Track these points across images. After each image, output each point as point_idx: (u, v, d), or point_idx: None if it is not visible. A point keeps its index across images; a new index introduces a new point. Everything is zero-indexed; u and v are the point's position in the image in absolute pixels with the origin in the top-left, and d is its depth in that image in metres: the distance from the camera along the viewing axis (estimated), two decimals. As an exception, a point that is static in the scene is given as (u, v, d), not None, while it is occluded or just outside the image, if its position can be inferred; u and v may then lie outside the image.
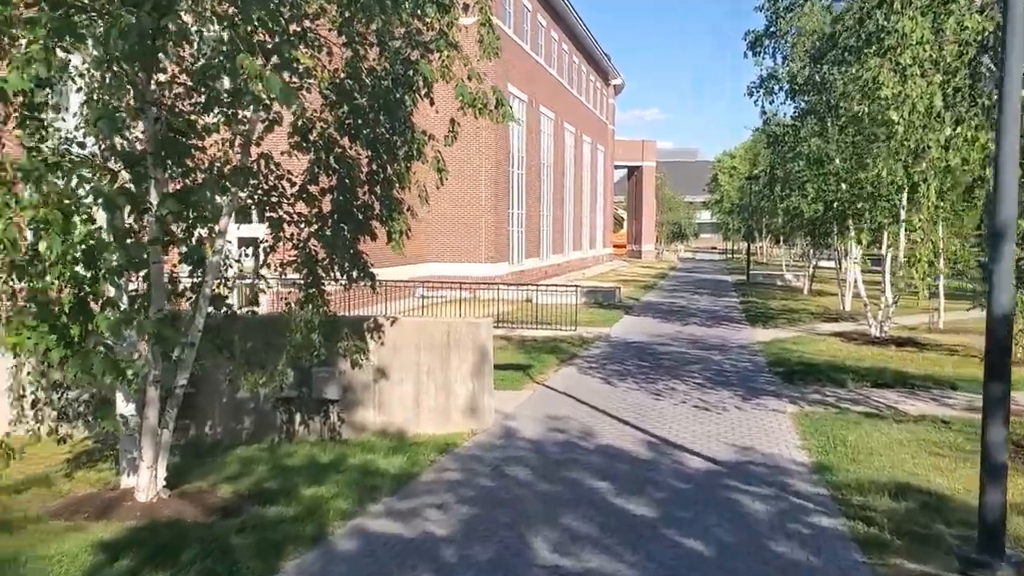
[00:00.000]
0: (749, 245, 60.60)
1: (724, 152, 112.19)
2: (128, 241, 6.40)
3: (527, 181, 42.02)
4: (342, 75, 8.52)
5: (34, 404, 9.24)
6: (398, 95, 8.48)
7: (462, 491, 9.23)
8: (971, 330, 25.18)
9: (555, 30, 48.33)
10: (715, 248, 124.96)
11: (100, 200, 5.94)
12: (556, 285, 28.34)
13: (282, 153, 9.15)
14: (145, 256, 7.00)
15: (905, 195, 20.71)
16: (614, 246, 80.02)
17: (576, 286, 27.67)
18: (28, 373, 8.65)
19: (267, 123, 8.94)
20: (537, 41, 44.41)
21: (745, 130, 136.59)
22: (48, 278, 6.31)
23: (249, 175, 8.83)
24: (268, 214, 9.17)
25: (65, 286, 6.71)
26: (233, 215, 9.37)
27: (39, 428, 9.22)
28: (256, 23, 7.98)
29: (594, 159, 63.57)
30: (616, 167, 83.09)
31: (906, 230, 21.41)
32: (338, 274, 9.95)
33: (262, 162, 9.03)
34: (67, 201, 6.05)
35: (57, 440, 9.59)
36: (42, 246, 6.05)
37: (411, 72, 8.58)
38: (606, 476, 9.82)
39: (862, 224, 21.97)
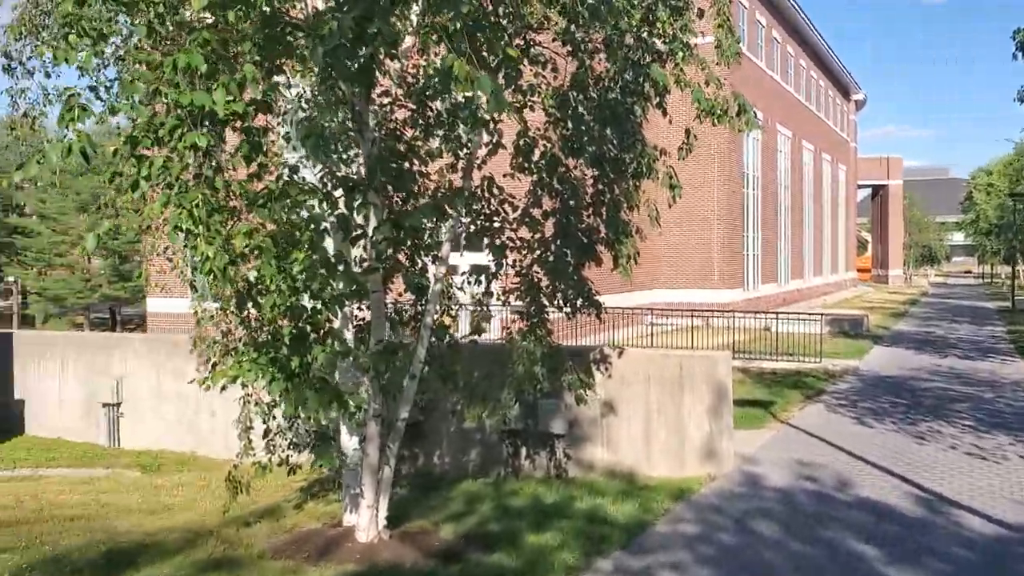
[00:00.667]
0: (1014, 268, 54.83)
1: (979, 169, 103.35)
2: (348, 270, 6.01)
3: (762, 202, 40.09)
4: (566, 87, 7.88)
5: (266, 434, 9.21)
6: (627, 104, 7.72)
7: (701, 549, 8.25)
8: None
9: (791, 45, 46.08)
10: (969, 272, 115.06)
11: (313, 227, 5.59)
12: (796, 313, 26.52)
13: (504, 176, 8.64)
14: (367, 285, 6.63)
15: None
16: (858, 270, 75.24)
17: (820, 314, 25.74)
18: (256, 404, 8.58)
19: (491, 146, 8.50)
20: (772, 57, 42.47)
21: (1006, 143, 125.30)
22: (266, 307, 6.04)
23: (472, 199, 8.39)
24: (490, 240, 8.68)
25: (284, 316, 6.44)
26: (460, 242, 8.99)
27: (271, 459, 9.17)
28: (479, 39, 7.54)
29: (834, 178, 60.07)
30: (859, 186, 78.28)
31: None
32: (561, 302, 9.28)
33: (484, 185, 8.56)
34: (283, 228, 5.77)
35: (288, 471, 9.52)
36: (253, 275, 5.80)
37: (641, 79, 7.79)
38: (871, 538, 8.49)
39: None
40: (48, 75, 8.64)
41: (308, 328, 6.77)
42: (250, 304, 6.28)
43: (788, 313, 26.23)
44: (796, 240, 47.38)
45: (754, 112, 8.28)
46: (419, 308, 8.67)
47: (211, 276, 5.37)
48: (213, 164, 5.55)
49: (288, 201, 5.84)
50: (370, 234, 6.77)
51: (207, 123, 5.36)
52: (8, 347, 17.77)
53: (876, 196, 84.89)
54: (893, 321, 36.76)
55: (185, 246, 5.54)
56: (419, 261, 8.58)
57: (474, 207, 8.59)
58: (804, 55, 49.32)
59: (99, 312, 48.15)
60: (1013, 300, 46.60)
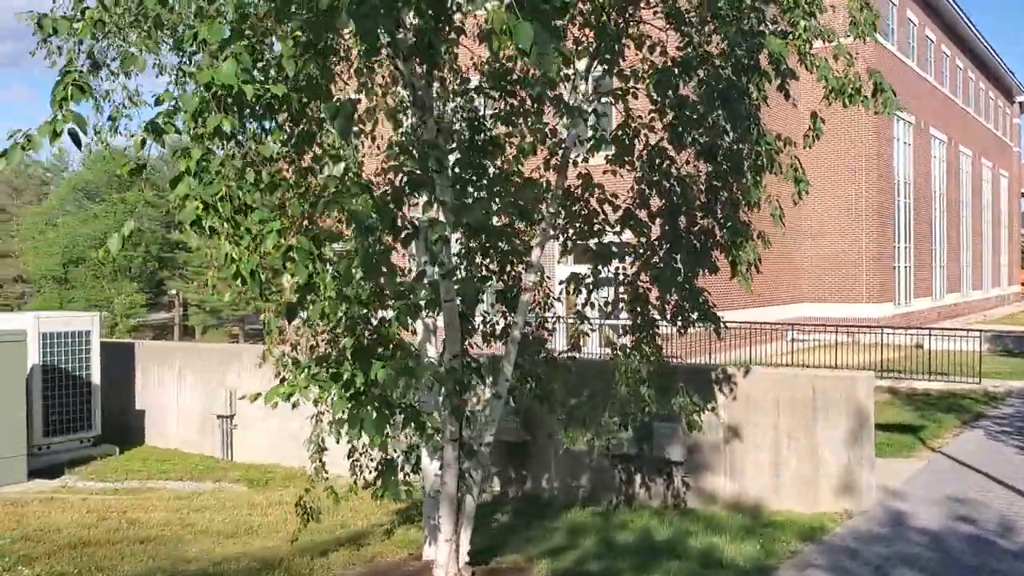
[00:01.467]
0: None
1: None
2: (393, 275, 5.19)
3: (915, 211, 37.43)
4: (668, 64, 6.84)
5: (350, 453, 8.55)
6: (741, 85, 6.63)
7: (830, 604, 7.06)
8: None
9: (946, 44, 43.06)
10: None
11: (355, 224, 4.82)
12: (953, 329, 24.28)
13: (604, 172, 7.70)
14: (421, 294, 5.80)
15: None
16: (1022, 284, 69.93)
17: (979, 331, 23.50)
18: (329, 424, 7.90)
19: (592, 141, 7.59)
20: (926, 58, 39.74)
21: None
22: (313, 316, 5.32)
23: (564, 198, 7.50)
24: (586, 245, 7.75)
25: (338, 326, 5.72)
26: (566, 246, 8.11)
27: (355, 481, 8.51)
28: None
29: (996, 186, 55.94)
30: (1023, 195, 72.84)
31: None
32: (672, 315, 8.21)
33: (582, 183, 7.65)
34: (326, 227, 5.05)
35: (373, 495, 8.84)
36: (285, 279, 5.11)
37: (755, 53, 6.67)
38: (1042, 600, 7.11)
39: None
40: (128, 75, 8.26)
41: (375, 340, 6.03)
42: (302, 313, 5.57)
43: (942, 329, 24.05)
44: (952, 251, 44.13)
45: (893, 92, 7.06)
46: (509, 320, 7.83)
47: (239, 280, 4.70)
48: (243, 152, 4.88)
49: (339, 198, 5.09)
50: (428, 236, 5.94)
51: (236, 107, 4.70)
52: (131, 357, 17.96)
53: (1044, 204, 78.84)
54: (1065, 339, 33.48)
55: (207, 247, 4.91)
56: (510, 268, 7.76)
57: (572, 207, 7.70)
58: (961, 54, 46.06)
59: (254, 323, 49.54)
60: None
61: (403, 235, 5.44)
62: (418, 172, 5.51)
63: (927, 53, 39.84)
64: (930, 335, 24.31)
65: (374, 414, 5.80)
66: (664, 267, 7.61)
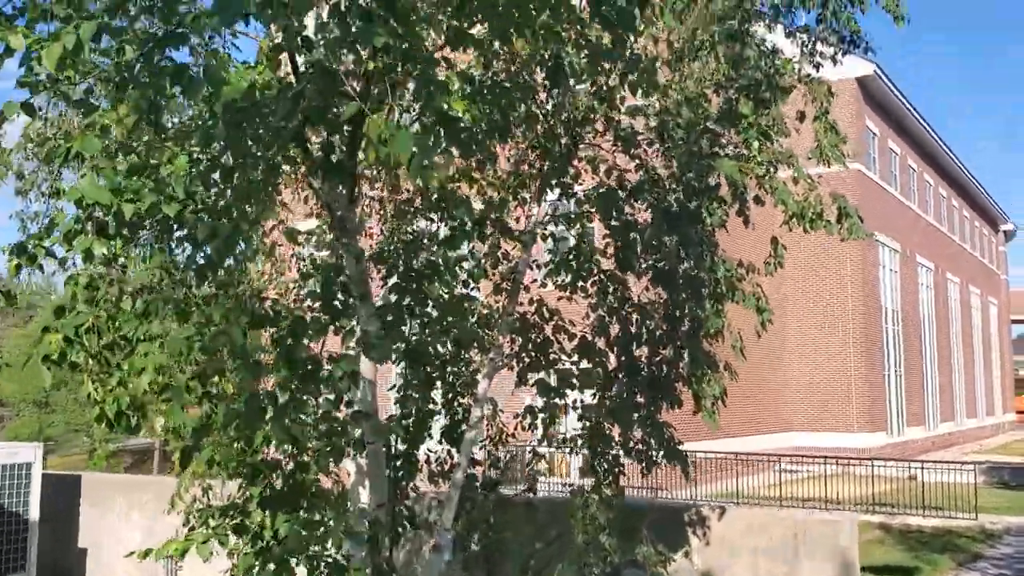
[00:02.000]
0: None
1: None
2: (281, 416, 4.56)
3: (904, 338, 37.01)
4: (612, 185, 6.42)
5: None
6: (692, 207, 6.18)
7: None
8: None
9: (929, 174, 43.61)
10: None
11: (240, 360, 4.24)
12: (946, 461, 23.42)
13: (559, 299, 7.20)
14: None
15: None
16: (1017, 412, 69.02)
17: (973, 463, 22.70)
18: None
19: (551, 266, 7.12)
20: (909, 186, 40.13)
21: None
22: (200, 463, 4.68)
23: (513, 326, 6.97)
24: (535, 376, 7.16)
25: (244, 475, 5.06)
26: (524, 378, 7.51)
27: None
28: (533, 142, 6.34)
29: (985, 313, 55.83)
30: (1013, 322, 72.82)
31: None
32: (635, 451, 7.55)
33: (534, 309, 7.13)
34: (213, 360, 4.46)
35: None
36: (157, 422, 4.51)
37: (704, 177, 6.26)
38: None
39: None
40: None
41: (291, 486, 5.37)
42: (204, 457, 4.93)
43: (936, 461, 23.21)
44: (944, 379, 43.54)
45: (859, 217, 6.64)
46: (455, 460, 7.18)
47: (103, 423, 4.11)
48: (112, 278, 4.36)
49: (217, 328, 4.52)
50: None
51: (117, 227, 4.20)
52: (76, 491, 17.08)
53: (1034, 332, 78.79)
54: (1063, 471, 32.53)
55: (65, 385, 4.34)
56: (456, 401, 7.17)
57: (526, 335, 7.15)
58: (944, 184, 46.64)
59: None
60: None
61: (301, 372, 4.85)
62: (332, 300, 4.98)
63: (910, 182, 40.25)
64: (923, 467, 23.48)
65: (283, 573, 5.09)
66: (623, 400, 7.02)
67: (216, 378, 4.57)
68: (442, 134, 3.68)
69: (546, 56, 5.41)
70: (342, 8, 3.84)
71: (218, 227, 3.93)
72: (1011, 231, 66.45)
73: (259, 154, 3.81)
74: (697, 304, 6.78)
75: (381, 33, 3.59)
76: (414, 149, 2.70)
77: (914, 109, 37.41)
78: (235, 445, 4.70)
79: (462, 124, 3.82)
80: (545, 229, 7.03)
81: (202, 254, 4.92)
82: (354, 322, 5.27)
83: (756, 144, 6.36)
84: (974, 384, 51.08)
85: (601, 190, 6.23)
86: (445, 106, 3.45)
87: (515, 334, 7.18)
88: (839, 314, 31.77)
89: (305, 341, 4.73)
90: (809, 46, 7.36)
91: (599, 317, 7.49)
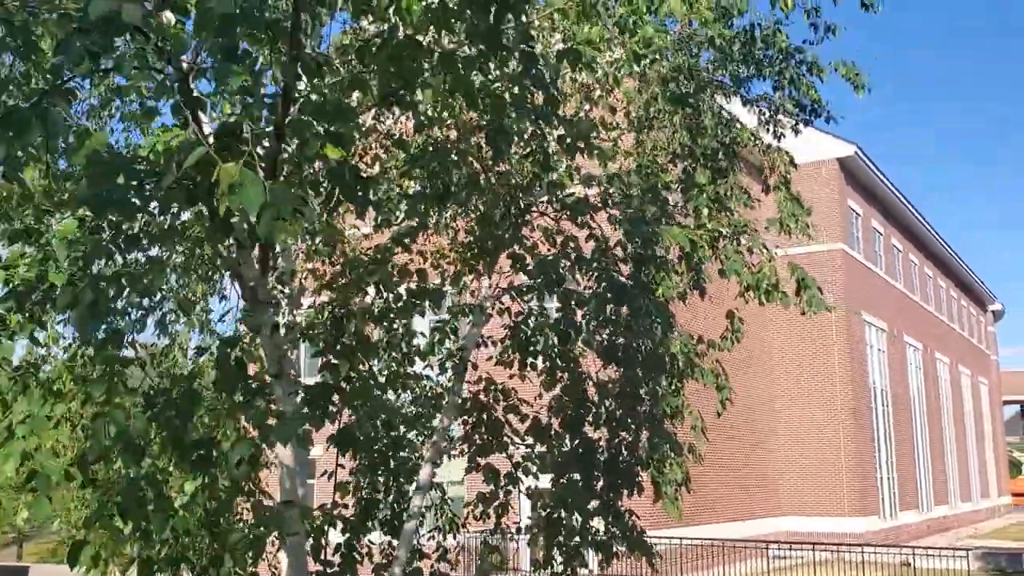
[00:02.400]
0: None
1: None
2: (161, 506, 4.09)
3: (895, 420, 36.50)
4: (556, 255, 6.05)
5: None
6: (642, 278, 5.77)
7: None
8: None
9: (914, 253, 43.69)
10: None
11: (120, 444, 3.81)
12: (939, 548, 22.72)
13: (511, 377, 6.79)
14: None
15: None
16: (1012, 495, 68.04)
17: (966, 549, 22.06)
18: None
19: (509, 343, 6.72)
20: (894, 267, 40.10)
21: None
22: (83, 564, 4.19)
23: (466, 407, 6.55)
24: (479, 461, 6.70)
25: None
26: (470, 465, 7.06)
27: None
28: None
29: (976, 393, 55.37)
30: (1005, 402, 72.35)
31: None
32: (591, 543, 7.02)
33: (483, 388, 6.72)
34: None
35: None
36: (20, 515, 4.07)
37: (651, 245, 5.86)
38: None
39: None
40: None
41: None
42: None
43: (927, 547, 22.55)
44: (937, 461, 42.86)
45: (819, 289, 6.30)
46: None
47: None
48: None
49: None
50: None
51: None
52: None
53: (1026, 413, 78.31)
54: (1061, 556, 31.70)
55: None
56: (394, 489, 6.70)
57: (475, 417, 6.72)
58: (929, 264, 46.71)
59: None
60: None
61: (194, 457, 4.38)
62: (229, 377, 4.56)
63: (895, 262, 40.24)
64: (914, 553, 22.79)
65: None
66: (579, 486, 6.53)
67: (101, 464, 4.14)
68: (336, 191, 3.36)
69: (485, 120, 5.15)
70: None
71: (79, 293, 3.54)
72: (999, 311, 66.49)
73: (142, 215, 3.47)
74: (654, 381, 6.37)
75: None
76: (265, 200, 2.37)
77: (896, 189, 37.63)
78: (130, 538, 4.24)
79: (361, 176, 3.47)
80: (497, 303, 6.68)
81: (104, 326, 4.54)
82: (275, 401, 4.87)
83: (706, 211, 6.04)
84: (967, 466, 50.34)
85: (541, 257, 5.88)
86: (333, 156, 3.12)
87: (466, 415, 6.76)
88: (828, 396, 31.32)
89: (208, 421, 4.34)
90: (768, 115, 7.11)
91: (556, 397, 7.06)
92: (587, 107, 6.78)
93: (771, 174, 6.96)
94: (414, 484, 6.58)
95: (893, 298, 38.72)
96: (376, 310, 6.02)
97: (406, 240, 5.59)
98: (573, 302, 5.61)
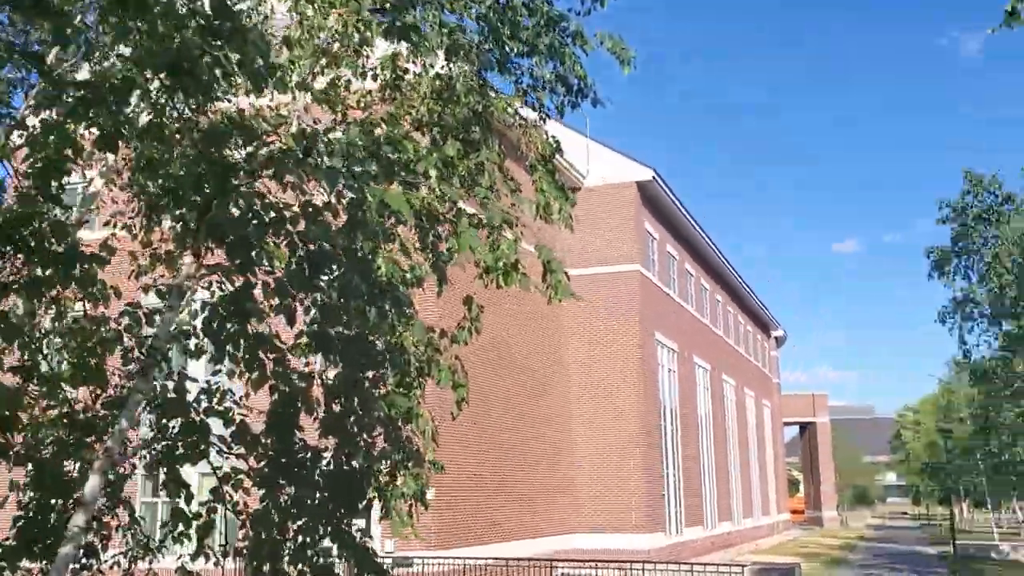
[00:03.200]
0: (952, 511, 52.30)
1: (906, 407, 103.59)
2: None
3: (683, 438, 37.46)
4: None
5: None
6: (357, 248, 4.85)
7: None
8: None
9: (706, 279, 45.37)
10: (905, 513, 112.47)
11: None
12: (714, 564, 23.10)
13: (216, 372, 5.74)
14: None
15: None
16: (791, 512, 72.10)
17: (742, 565, 22.50)
18: None
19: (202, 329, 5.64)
20: (687, 290, 41.39)
21: (931, 378, 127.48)
22: None
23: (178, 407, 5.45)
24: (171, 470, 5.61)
25: None
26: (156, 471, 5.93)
27: None
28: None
29: (759, 415, 58.23)
30: (785, 424, 76.75)
31: None
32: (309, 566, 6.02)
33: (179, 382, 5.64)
34: None
35: None
36: None
37: (360, 206, 4.95)
38: None
39: None
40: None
41: None
42: None
43: (707, 563, 22.87)
44: (722, 480, 44.48)
45: (565, 275, 5.64)
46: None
47: None
48: None
49: None
50: None
51: None
52: None
53: (804, 434, 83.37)
54: (830, 571, 33.37)
55: None
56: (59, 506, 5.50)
57: (164, 418, 5.62)
58: (720, 290, 48.70)
59: None
60: (954, 545, 43.62)
61: None
62: None
63: (688, 285, 41.56)
64: (692, 570, 23.05)
65: None
66: (283, 502, 5.55)
67: None
68: None
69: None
70: None
71: None
72: (782, 337, 70.45)
73: None
74: (375, 378, 5.49)
75: None
76: None
77: (690, 215, 38.86)
78: None
79: None
80: (200, 283, 5.62)
81: None
82: None
83: (435, 173, 5.22)
84: (750, 484, 52.68)
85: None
86: None
87: (160, 416, 5.66)
88: (621, 414, 31.63)
89: None
90: (529, 86, 6.45)
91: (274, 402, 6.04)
92: (323, 61, 5.88)
93: (529, 150, 6.27)
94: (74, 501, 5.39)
95: (685, 320, 39.91)
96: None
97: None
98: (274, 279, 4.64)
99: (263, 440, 5.60)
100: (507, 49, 6.30)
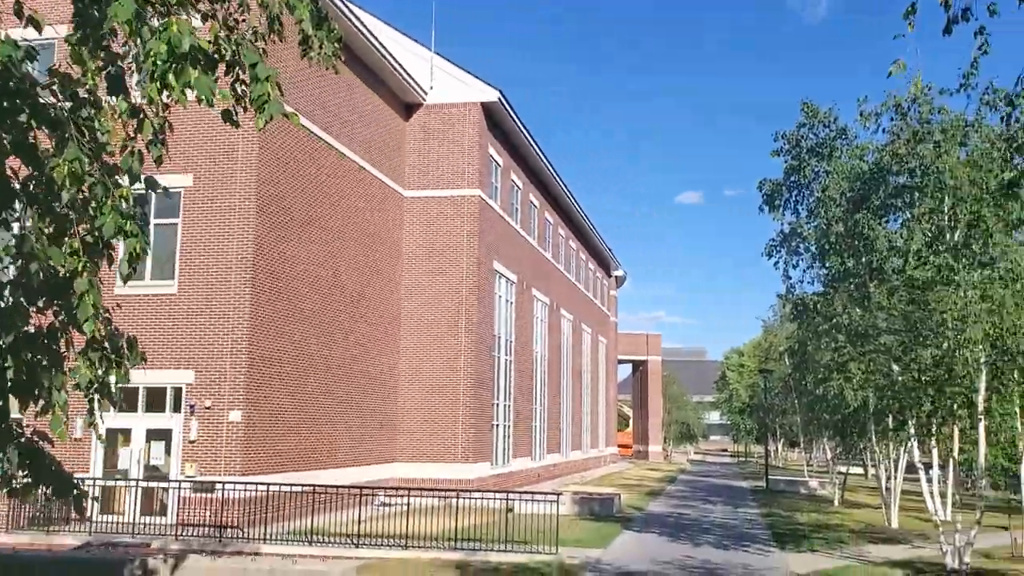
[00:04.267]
0: (767, 448, 54.74)
1: (732, 349, 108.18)
2: None
3: (516, 370, 37.18)
4: None
5: None
6: None
7: None
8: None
9: (550, 212, 44.97)
10: (725, 450, 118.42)
11: None
12: (544, 492, 22.79)
13: None
14: None
15: (984, 378, 15.77)
16: (619, 446, 74.17)
17: (559, 493, 22.28)
18: None
19: None
20: (530, 222, 40.81)
21: (756, 320, 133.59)
22: None
23: None
24: None
25: None
26: None
27: None
28: None
29: (595, 351, 59.01)
30: (620, 362, 78.51)
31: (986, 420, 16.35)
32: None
33: None
34: None
35: None
36: None
37: None
38: None
39: (937, 415, 16.81)
40: None
41: None
42: None
43: (534, 493, 22.52)
44: (554, 412, 44.75)
45: (279, 90, 4.47)
46: None
47: None
48: None
49: None
50: None
51: None
52: None
53: (636, 372, 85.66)
54: (648, 501, 34.04)
55: None
56: None
57: None
58: (563, 224, 48.48)
59: None
60: (767, 480, 45.61)
61: None
62: None
63: (531, 217, 40.99)
64: (519, 498, 22.70)
65: None
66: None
67: None
68: None
69: None
70: None
71: None
72: (622, 277, 71.58)
73: None
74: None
75: None
76: None
77: (536, 145, 38.11)
78: None
79: None
80: None
81: None
82: None
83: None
84: (582, 418, 53.45)
85: None
86: None
87: None
88: (453, 342, 30.86)
89: None
90: None
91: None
92: None
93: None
94: None
95: (525, 252, 39.40)
96: None
97: None
98: None
99: None
100: None
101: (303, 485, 20.84)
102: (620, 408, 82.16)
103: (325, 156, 25.31)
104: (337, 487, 20.77)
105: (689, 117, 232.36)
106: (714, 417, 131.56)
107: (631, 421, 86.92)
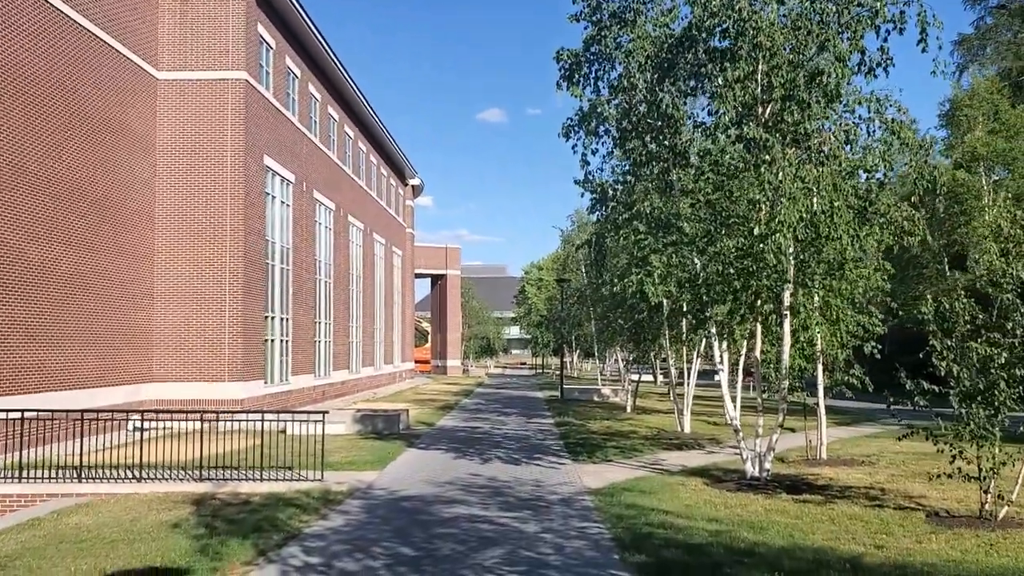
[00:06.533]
0: (562, 359, 54.22)
1: (531, 264, 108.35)
2: None
3: (294, 280, 33.76)
4: None
5: None
6: None
7: None
8: (873, 461, 18.82)
9: (334, 108, 41.11)
10: (524, 363, 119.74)
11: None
12: (321, 412, 19.91)
13: None
14: None
15: (791, 271, 14.25)
16: (417, 361, 72.26)
17: (325, 411, 19.61)
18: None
19: None
20: (310, 116, 36.94)
21: (555, 231, 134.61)
22: None
23: None
24: None
25: None
26: None
27: None
28: None
29: (388, 262, 56.08)
30: (418, 276, 76.09)
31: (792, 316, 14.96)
32: None
33: None
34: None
35: None
36: None
37: None
38: None
39: (740, 312, 15.22)
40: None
41: None
42: None
43: (312, 412, 19.62)
44: (341, 326, 41.69)
45: None
46: None
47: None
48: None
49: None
50: None
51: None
52: None
53: (436, 286, 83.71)
54: (439, 415, 31.97)
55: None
56: None
57: None
58: (351, 123, 44.70)
59: None
60: (562, 390, 44.85)
61: None
62: None
63: (311, 111, 37.12)
64: (293, 419, 19.80)
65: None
66: None
67: None
68: None
69: None
70: None
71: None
72: (419, 186, 68.57)
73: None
74: None
75: None
76: None
77: (317, 29, 34.14)
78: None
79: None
80: None
81: None
82: None
83: None
84: (373, 333, 50.67)
85: None
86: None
87: None
88: (217, 248, 27.11)
89: None
90: None
91: None
92: None
93: None
94: None
95: (305, 149, 35.66)
96: None
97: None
98: None
99: None
100: None
101: (30, 410, 16.99)
102: (419, 323, 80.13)
103: (56, 27, 20.63)
104: (52, 412, 17.04)
105: (491, 31, 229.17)
106: (514, 332, 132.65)
107: (429, 336, 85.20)
